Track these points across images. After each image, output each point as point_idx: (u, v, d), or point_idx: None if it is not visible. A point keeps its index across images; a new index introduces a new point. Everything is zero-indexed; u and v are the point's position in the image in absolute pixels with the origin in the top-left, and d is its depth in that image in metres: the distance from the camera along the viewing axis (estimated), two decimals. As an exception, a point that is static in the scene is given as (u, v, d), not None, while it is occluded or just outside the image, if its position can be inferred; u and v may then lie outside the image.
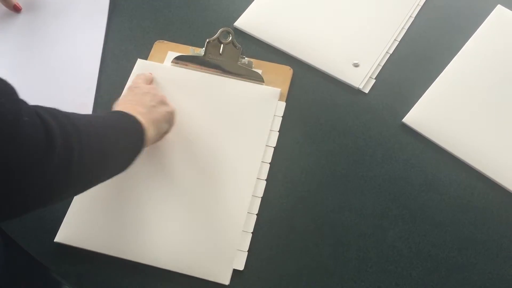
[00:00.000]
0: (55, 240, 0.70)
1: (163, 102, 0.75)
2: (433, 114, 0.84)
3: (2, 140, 0.41)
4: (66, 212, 0.72)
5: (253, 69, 0.86)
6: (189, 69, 0.87)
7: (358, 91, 0.87)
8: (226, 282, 0.68)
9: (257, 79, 0.86)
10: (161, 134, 0.75)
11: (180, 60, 0.87)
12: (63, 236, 0.70)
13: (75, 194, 0.55)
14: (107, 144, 0.57)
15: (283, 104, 0.84)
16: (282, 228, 0.74)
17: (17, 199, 0.45)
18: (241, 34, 0.93)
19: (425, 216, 0.76)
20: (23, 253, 0.71)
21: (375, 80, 0.88)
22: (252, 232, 0.73)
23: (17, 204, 0.46)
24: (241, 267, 0.70)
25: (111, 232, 0.71)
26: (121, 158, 0.63)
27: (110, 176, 0.62)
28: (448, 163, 0.80)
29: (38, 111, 0.46)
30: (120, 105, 0.71)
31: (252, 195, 0.75)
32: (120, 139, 0.61)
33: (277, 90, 0.84)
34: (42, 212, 0.73)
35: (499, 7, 0.97)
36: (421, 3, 0.98)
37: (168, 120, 0.75)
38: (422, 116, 0.84)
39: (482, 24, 0.95)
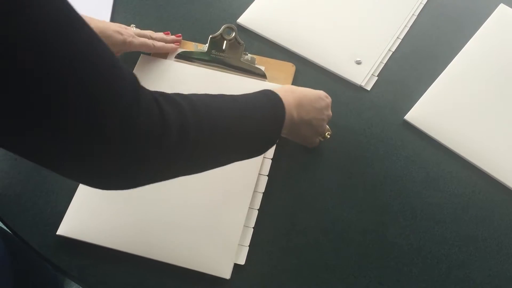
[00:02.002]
0: (57, 233, 0.70)
1: (325, 120, 0.75)
2: (435, 112, 0.85)
3: (121, 126, 0.43)
4: (68, 206, 0.72)
5: (256, 66, 0.87)
6: (192, 65, 0.87)
7: (360, 89, 0.88)
8: (227, 276, 0.69)
9: (260, 75, 0.86)
10: (302, 139, 0.75)
11: (183, 56, 0.88)
12: (65, 229, 0.71)
13: (191, 173, 0.56)
14: (231, 130, 0.57)
15: None
16: (283, 224, 0.74)
17: (132, 179, 0.50)
18: (244, 31, 0.93)
19: (426, 213, 0.76)
20: (26, 251, 0.71)
21: (377, 78, 0.89)
22: (253, 227, 0.73)
23: (130, 181, 0.50)
24: (242, 261, 0.70)
25: (113, 226, 0.71)
26: (244, 144, 0.61)
27: (234, 160, 0.62)
28: (449, 161, 0.81)
29: (158, 98, 0.48)
30: (285, 88, 0.71)
31: (254, 191, 0.75)
32: (250, 126, 0.60)
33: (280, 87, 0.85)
34: (44, 205, 0.73)
35: (502, 6, 0.98)
36: (424, 1, 0.98)
37: (317, 133, 0.75)
38: (424, 113, 0.84)
39: (485, 23, 0.95)
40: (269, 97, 0.64)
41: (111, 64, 0.43)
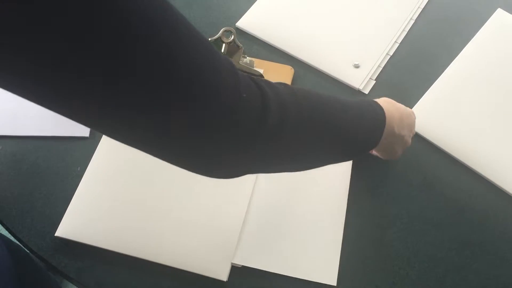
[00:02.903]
0: (56, 235, 0.70)
1: (411, 137, 0.75)
2: (432, 116, 0.85)
3: (223, 114, 0.42)
4: (66, 208, 0.73)
5: (255, 68, 0.87)
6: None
7: (358, 92, 0.88)
8: (224, 278, 0.69)
9: (259, 78, 0.86)
10: (389, 153, 0.74)
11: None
12: (63, 230, 0.71)
13: (277, 165, 0.55)
14: (329, 127, 0.55)
15: None
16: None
17: (228, 163, 0.48)
18: (243, 34, 0.93)
19: (423, 216, 0.76)
20: (26, 254, 0.71)
21: (375, 81, 0.89)
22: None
23: (225, 168, 0.49)
24: (239, 263, 0.70)
25: (111, 227, 0.71)
26: (342, 145, 0.60)
27: (322, 162, 0.61)
28: (446, 164, 0.81)
29: (259, 82, 0.47)
30: (386, 100, 0.70)
31: (252, 192, 0.75)
32: (349, 127, 0.58)
33: (278, 90, 0.85)
34: (43, 207, 0.73)
35: (499, 11, 0.98)
36: (422, 6, 0.99)
37: (403, 148, 0.74)
38: (421, 117, 0.85)
39: (482, 28, 0.96)
40: (372, 105, 0.64)
41: (210, 47, 0.42)
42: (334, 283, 0.69)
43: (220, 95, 0.42)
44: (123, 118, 0.39)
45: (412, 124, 0.74)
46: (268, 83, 0.49)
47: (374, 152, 0.77)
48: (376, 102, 0.66)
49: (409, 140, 0.74)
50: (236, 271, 0.70)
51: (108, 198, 0.74)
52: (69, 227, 0.71)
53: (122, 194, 0.74)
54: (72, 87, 0.35)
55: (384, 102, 0.68)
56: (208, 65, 0.41)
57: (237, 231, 0.72)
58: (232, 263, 0.70)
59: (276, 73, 0.88)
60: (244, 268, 0.70)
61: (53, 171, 0.76)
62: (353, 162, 0.80)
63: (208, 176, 0.49)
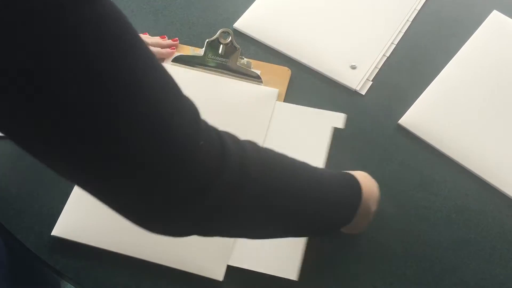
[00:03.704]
0: (52, 234, 0.70)
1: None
2: (428, 116, 0.85)
3: (176, 165, 0.39)
4: (63, 207, 0.73)
5: (252, 70, 0.87)
6: (188, 68, 0.88)
7: (355, 93, 0.88)
8: (220, 278, 0.69)
9: (256, 79, 0.87)
10: (358, 228, 0.67)
11: (180, 59, 0.88)
12: (60, 229, 0.71)
13: (231, 235, 0.50)
14: (297, 201, 0.50)
15: (342, 116, 0.83)
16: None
17: (178, 220, 0.44)
18: (240, 35, 0.94)
19: (419, 216, 0.76)
20: (24, 251, 0.71)
21: (372, 82, 0.89)
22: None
23: (178, 224, 0.45)
24: (235, 263, 0.71)
25: (108, 227, 0.71)
26: (309, 219, 0.55)
27: (288, 234, 0.56)
28: (443, 165, 0.81)
29: (220, 133, 0.44)
30: (364, 178, 0.64)
31: None
32: (319, 200, 0.54)
33: (275, 91, 0.85)
34: (41, 207, 0.73)
35: (494, 13, 0.99)
36: (418, 7, 0.99)
37: (369, 222, 0.68)
38: (418, 118, 0.85)
39: (478, 29, 0.96)
40: (349, 181, 0.60)
41: (172, 92, 0.40)
42: (295, 278, 0.68)
43: (176, 140, 0.39)
44: (69, 160, 0.38)
45: (378, 198, 0.68)
46: (235, 138, 0.45)
47: None
48: (353, 176, 0.61)
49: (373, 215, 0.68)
50: (232, 271, 0.70)
51: None
52: (66, 226, 0.71)
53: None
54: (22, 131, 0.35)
55: (363, 177, 0.64)
56: (168, 106, 0.39)
57: None
58: (228, 264, 0.70)
59: (273, 75, 0.88)
60: (240, 268, 0.70)
61: (49, 172, 0.75)
62: (350, 165, 0.80)
63: (150, 231, 0.45)
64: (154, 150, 0.38)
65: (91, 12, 0.32)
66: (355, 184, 0.61)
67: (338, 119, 0.82)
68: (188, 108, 0.42)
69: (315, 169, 0.55)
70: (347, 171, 0.64)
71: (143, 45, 0.37)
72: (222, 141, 0.43)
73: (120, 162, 0.37)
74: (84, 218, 0.72)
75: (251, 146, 0.46)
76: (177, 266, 0.70)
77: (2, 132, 0.35)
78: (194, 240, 0.70)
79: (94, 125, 0.34)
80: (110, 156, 0.37)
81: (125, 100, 0.35)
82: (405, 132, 0.84)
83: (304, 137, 0.81)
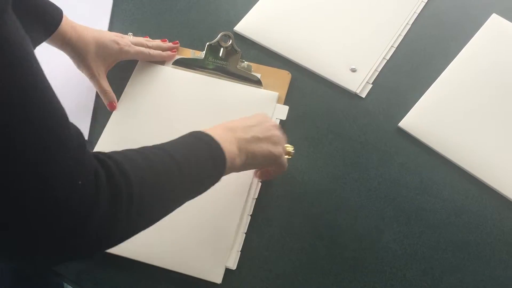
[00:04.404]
0: None
1: (273, 142, 0.69)
2: (428, 119, 0.86)
3: (55, 203, 0.41)
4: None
5: (252, 73, 0.88)
6: (189, 71, 0.88)
7: (355, 96, 0.89)
8: (218, 281, 0.69)
9: (256, 82, 0.87)
10: (267, 158, 0.69)
11: (181, 62, 0.89)
12: None
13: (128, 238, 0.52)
14: (167, 190, 0.55)
15: (286, 108, 0.85)
16: (277, 229, 0.75)
17: (59, 249, 0.45)
18: (241, 39, 0.94)
19: (419, 218, 0.77)
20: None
21: (372, 85, 0.90)
22: (245, 233, 0.74)
23: (57, 252, 0.46)
24: (233, 266, 0.71)
25: None
26: (185, 193, 0.59)
27: (174, 209, 0.60)
28: (442, 167, 0.82)
29: (99, 163, 0.46)
30: (218, 127, 0.66)
31: (247, 196, 0.76)
32: (188, 175, 0.57)
33: (275, 94, 0.86)
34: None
35: (494, 16, 0.99)
36: (418, 11, 1.00)
37: (269, 161, 0.69)
38: (418, 120, 0.85)
39: (478, 32, 0.97)
40: (203, 141, 0.61)
41: (62, 123, 0.41)
42: (219, 281, 0.69)
43: (54, 187, 0.40)
44: None
45: (257, 123, 0.69)
46: (103, 161, 0.47)
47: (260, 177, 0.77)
48: (202, 132, 0.63)
49: (271, 134, 0.69)
50: (230, 274, 0.71)
51: None
52: None
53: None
54: None
55: (216, 129, 0.64)
56: (53, 137, 0.40)
57: (232, 234, 0.73)
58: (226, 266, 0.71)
59: (274, 78, 0.88)
60: (239, 271, 0.71)
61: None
62: (351, 167, 0.81)
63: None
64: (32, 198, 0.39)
65: None
66: (205, 137, 0.61)
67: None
68: (73, 140, 0.43)
69: (169, 150, 0.57)
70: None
71: (33, 84, 0.38)
72: (97, 174, 0.45)
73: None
74: None
75: (114, 162, 0.48)
76: (174, 268, 0.70)
77: None
78: (192, 243, 0.71)
79: None
80: None
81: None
82: (405, 135, 0.85)
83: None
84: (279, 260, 0.72)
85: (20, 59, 0.37)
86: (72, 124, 0.43)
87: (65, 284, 0.89)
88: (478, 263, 0.74)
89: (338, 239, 0.74)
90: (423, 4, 1.01)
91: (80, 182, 0.42)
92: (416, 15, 0.99)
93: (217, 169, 0.61)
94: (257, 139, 0.67)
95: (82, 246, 0.45)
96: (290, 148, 0.74)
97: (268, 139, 0.68)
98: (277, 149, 0.69)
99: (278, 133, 0.71)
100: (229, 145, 0.62)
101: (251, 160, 0.66)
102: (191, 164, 0.58)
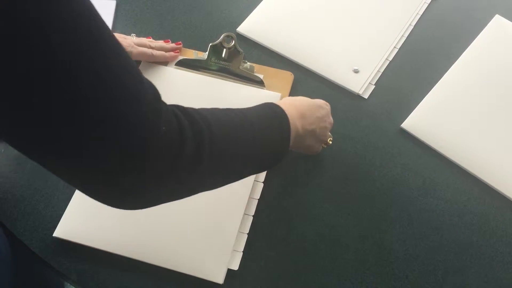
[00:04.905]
0: (53, 235, 0.71)
1: (322, 140, 0.75)
2: (431, 120, 0.86)
3: (141, 148, 0.42)
4: (65, 208, 0.73)
5: (255, 74, 0.88)
6: (192, 72, 0.88)
7: (358, 97, 0.89)
8: (220, 281, 0.69)
9: (259, 83, 0.87)
10: (306, 149, 0.74)
11: (184, 63, 0.89)
12: (62, 231, 0.71)
13: (201, 191, 0.55)
14: (243, 147, 0.57)
15: None
16: (279, 230, 0.75)
17: (145, 195, 0.48)
18: (243, 39, 0.94)
19: (422, 219, 0.77)
20: (28, 253, 0.71)
21: (374, 86, 0.90)
22: (247, 233, 0.74)
23: (144, 198, 0.49)
24: (235, 267, 0.71)
25: (110, 229, 0.72)
26: (258, 159, 0.61)
27: (247, 175, 0.63)
28: (445, 168, 0.82)
29: (177, 113, 0.47)
30: (286, 101, 0.70)
31: (249, 197, 0.76)
32: (260, 141, 0.60)
33: (278, 95, 0.86)
34: (44, 209, 0.74)
35: (497, 17, 0.99)
36: (421, 12, 1.00)
37: (308, 152, 0.76)
38: (420, 121, 0.85)
39: (481, 33, 0.97)
40: (276, 112, 0.64)
41: (134, 77, 0.42)
42: (221, 281, 0.69)
43: (137, 130, 0.42)
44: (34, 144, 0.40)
45: (324, 116, 0.74)
46: (188, 116, 0.49)
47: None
48: (278, 106, 0.66)
49: (326, 133, 0.75)
50: (232, 274, 0.71)
51: None
52: (68, 227, 0.72)
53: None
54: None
55: (285, 104, 0.68)
56: (129, 97, 0.41)
57: (234, 234, 0.73)
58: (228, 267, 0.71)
59: (276, 79, 0.88)
60: (241, 271, 0.71)
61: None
62: (353, 168, 0.81)
63: (121, 208, 0.48)
64: (122, 133, 0.41)
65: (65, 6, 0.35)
66: (281, 115, 0.65)
67: None
68: (150, 92, 0.44)
69: (247, 114, 0.60)
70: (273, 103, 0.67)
71: (109, 37, 0.40)
72: (179, 119, 0.47)
73: (90, 147, 0.40)
74: (87, 220, 0.72)
75: (199, 116, 0.50)
76: (178, 269, 0.70)
77: None
78: (195, 243, 0.71)
79: (57, 111, 0.37)
80: (78, 134, 0.39)
81: (89, 89, 0.38)
82: (407, 136, 0.85)
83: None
84: (280, 261, 0.72)
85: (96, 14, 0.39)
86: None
87: (68, 284, 0.89)
88: (481, 265, 0.74)
89: (340, 240, 0.74)
90: (426, 5, 1.01)
91: (164, 128, 0.44)
92: (419, 16, 0.99)
93: (283, 144, 0.64)
94: (314, 134, 0.72)
95: (168, 186, 0.48)
96: (330, 138, 0.78)
97: (320, 136, 0.73)
98: (319, 146, 0.76)
99: (329, 133, 0.76)
100: (294, 133, 0.66)
101: (296, 147, 0.70)
102: (263, 127, 0.60)
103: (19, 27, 0.33)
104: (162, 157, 0.44)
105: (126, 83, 0.41)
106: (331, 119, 0.76)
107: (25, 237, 0.72)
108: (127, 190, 0.45)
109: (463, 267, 0.73)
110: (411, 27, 0.98)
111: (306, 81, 0.90)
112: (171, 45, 0.90)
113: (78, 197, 0.74)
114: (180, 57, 0.90)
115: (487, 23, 0.98)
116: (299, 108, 0.70)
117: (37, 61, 0.34)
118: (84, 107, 0.38)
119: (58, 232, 0.71)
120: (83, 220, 0.72)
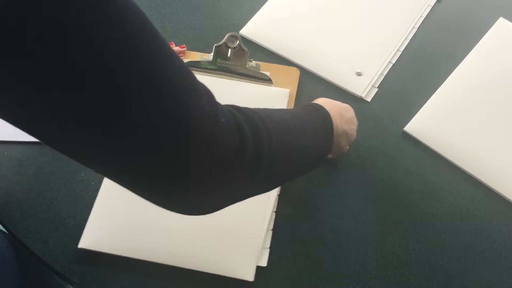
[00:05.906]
0: (78, 246, 0.70)
1: (350, 141, 0.76)
2: (434, 123, 0.86)
3: (204, 139, 0.42)
4: (70, 213, 0.73)
5: (261, 71, 0.88)
6: (198, 74, 0.88)
7: (360, 100, 0.89)
8: (251, 278, 0.69)
9: (266, 80, 0.87)
10: (337, 149, 0.74)
11: (190, 65, 0.89)
12: (86, 241, 0.70)
13: (257, 194, 0.55)
14: (296, 147, 0.57)
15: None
16: (281, 234, 0.74)
17: (206, 197, 0.47)
18: (246, 42, 0.94)
19: (424, 223, 0.76)
20: (34, 259, 0.72)
21: (377, 89, 0.90)
22: (272, 229, 0.74)
23: (205, 202, 0.48)
24: (264, 263, 0.71)
25: (134, 234, 0.71)
26: (308, 160, 0.63)
27: (294, 178, 0.63)
28: (448, 172, 0.81)
29: (232, 111, 0.47)
30: (321, 101, 0.71)
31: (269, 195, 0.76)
32: (310, 142, 0.61)
33: (286, 91, 0.86)
34: (47, 212, 0.74)
35: (501, 20, 0.99)
36: (424, 15, 0.99)
37: (336, 153, 0.76)
38: (423, 125, 0.85)
39: (484, 36, 0.96)
40: (320, 112, 0.66)
41: (189, 82, 0.42)
42: (251, 279, 0.69)
43: (199, 121, 0.41)
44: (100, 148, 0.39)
45: (351, 118, 0.76)
46: (246, 117, 0.48)
47: None
48: (320, 106, 0.67)
49: (354, 133, 0.76)
50: (261, 271, 0.70)
51: (129, 205, 0.73)
52: (92, 237, 0.71)
53: (143, 200, 0.74)
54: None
55: (325, 102, 0.70)
56: (189, 91, 0.41)
57: (263, 231, 0.72)
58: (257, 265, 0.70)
59: (283, 76, 0.89)
60: (268, 268, 0.70)
61: (57, 176, 0.77)
62: (356, 171, 0.81)
63: (182, 213, 0.47)
64: (185, 132, 0.40)
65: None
66: (325, 113, 0.66)
67: None
68: (204, 90, 0.44)
69: (297, 115, 0.61)
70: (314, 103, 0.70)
71: (163, 41, 0.39)
72: (235, 118, 0.47)
73: (147, 145, 0.39)
74: (111, 228, 0.72)
75: (256, 116, 0.50)
76: (205, 269, 0.69)
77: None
78: (222, 242, 0.71)
79: (123, 113, 0.36)
80: (136, 137, 0.38)
81: (151, 86, 0.37)
82: (410, 139, 0.84)
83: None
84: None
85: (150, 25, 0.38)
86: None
87: (69, 287, 0.89)
88: (484, 269, 0.73)
89: (342, 244, 0.74)
90: (429, 8, 1.00)
91: (223, 120, 0.44)
92: (422, 18, 0.99)
93: (328, 145, 0.66)
94: (347, 134, 0.73)
95: (232, 185, 0.47)
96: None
97: (349, 138, 0.75)
98: (347, 147, 0.76)
99: (357, 122, 0.78)
100: (335, 133, 0.67)
101: (342, 139, 0.72)
102: (312, 131, 0.62)
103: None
104: (225, 149, 0.44)
105: (181, 90, 0.40)
106: (356, 121, 0.77)
107: (27, 240, 0.72)
108: (185, 194, 0.45)
109: (465, 271, 0.73)
110: (415, 30, 0.97)
111: (309, 83, 0.90)
112: (175, 48, 0.90)
113: (99, 206, 0.73)
114: (186, 60, 0.90)
115: (491, 26, 0.98)
116: (336, 107, 0.71)
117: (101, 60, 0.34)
118: (140, 110, 0.37)
119: (83, 243, 0.70)
120: (107, 228, 0.72)
